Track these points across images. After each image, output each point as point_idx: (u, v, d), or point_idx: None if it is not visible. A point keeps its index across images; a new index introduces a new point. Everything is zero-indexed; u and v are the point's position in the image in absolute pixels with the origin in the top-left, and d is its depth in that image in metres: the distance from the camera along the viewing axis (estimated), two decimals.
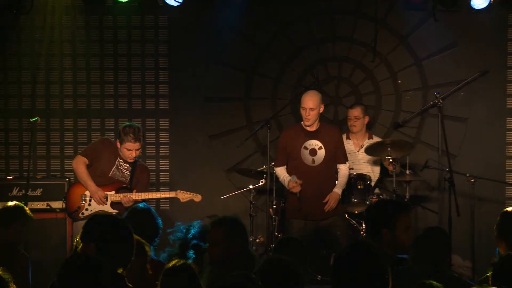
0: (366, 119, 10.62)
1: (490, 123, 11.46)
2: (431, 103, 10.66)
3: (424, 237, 6.21)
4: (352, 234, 9.91)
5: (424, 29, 11.33)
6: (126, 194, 9.18)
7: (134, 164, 9.45)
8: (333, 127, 10.15)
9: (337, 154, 9.63)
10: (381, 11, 11.16)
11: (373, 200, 10.06)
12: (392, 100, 11.55)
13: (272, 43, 11.59)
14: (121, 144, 9.30)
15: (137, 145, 9.26)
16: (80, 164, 9.26)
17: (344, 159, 9.68)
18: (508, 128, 11.46)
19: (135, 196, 9.19)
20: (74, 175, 10.64)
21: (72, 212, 9.26)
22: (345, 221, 9.83)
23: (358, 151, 10.46)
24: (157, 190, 11.37)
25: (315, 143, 9.51)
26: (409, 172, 10.17)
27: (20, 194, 10.03)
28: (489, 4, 10.59)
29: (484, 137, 11.44)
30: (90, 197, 9.31)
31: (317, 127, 9.54)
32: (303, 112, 9.40)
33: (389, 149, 9.87)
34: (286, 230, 9.78)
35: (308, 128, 9.52)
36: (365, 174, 10.19)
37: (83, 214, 9.23)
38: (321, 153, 9.48)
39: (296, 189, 9.40)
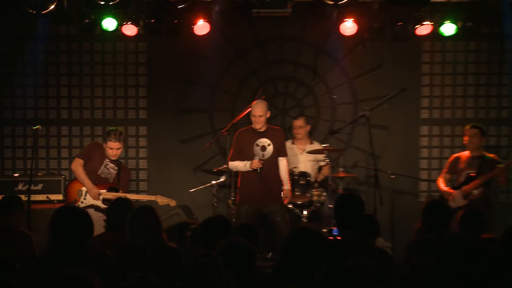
0: (308, 128, 11.54)
1: (407, 130, 12.50)
2: (360, 114, 11.18)
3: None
4: (295, 220, 10.68)
5: (355, 53, 12.28)
6: (115, 194, 9.76)
7: (119, 165, 10.17)
8: (278, 129, 10.57)
9: (280, 150, 10.27)
10: (320, 39, 12.28)
11: (314, 192, 10.90)
12: (329, 111, 12.54)
13: (231, 65, 12.50)
14: (105, 144, 10.02)
15: (117, 144, 9.96)
16: (78, 166, 9.96)
17: (284, 153, 10.38)
18: (421, 134, 12.56)
19: (123, 196, 9.38)
20: (69, 173, 11.69)
21: (69, 203, 9.84)
22: (284, 208, 10.37)
23: (301, 154, 11.39)
24: (137, 185, 12.39)
25: (264, 141, 10.18)
26: (342, 170, 11.27)
27: (24, 189, 10.85)
28: (408, 34, 11.65)
29: (402, 141, 12.48)
30: (86, 192, 9.96)
31: (266, 129, 10.22)
32: (253, 119, 10.09)
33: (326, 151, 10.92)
34: (236, 213, 10.32)
35: (258, 130, 10.18)
36: (306, 172, 11.06)
37: (78, 206, 9.76)
38: (270, 149, 10.15)
39: (259, 165, 9.99)
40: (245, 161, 10.20)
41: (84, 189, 10.00)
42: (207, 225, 6.59)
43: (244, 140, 10.29)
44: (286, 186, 10.36)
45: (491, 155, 10.47)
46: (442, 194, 10.54)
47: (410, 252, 5.55)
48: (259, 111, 10.10)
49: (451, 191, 10.36)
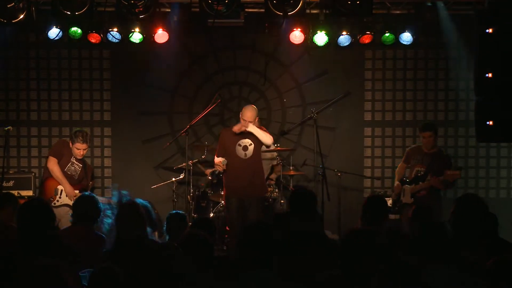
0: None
1: (351, 131, 12.91)
2: (308, 116, 11.54)
3: None
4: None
5: (303, 60, 12.73)
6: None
7: (83, 162, 10.51)
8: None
9: (262, 144, 10.34)
10: (271, 47, 12.72)
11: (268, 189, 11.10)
12: (279, 114, 12.96)
13: (188, 71, 12.90)
14: (72, 144, 10.25)
15: (84, 146, 10.27)
16: (55, 166, 10.20)
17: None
18: (365, 135, 12.98)
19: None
20: (39, 171, 12.09)
21: (46, 200, 9.72)
22: (261, 201, 10.56)
23: None
24: (102, 182, 12.71)
25: (246, 141, 10.33)
26: (292, 168, 11.69)
27: None
28: (351, 42, 11.93)
29: (347, 142, 12.90)
30: (62, 191, 10.18)
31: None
32: (242, 122, 10.15)
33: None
34: (225, 206, 10.53)
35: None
36: None
37: (54, 204, 10.11)
38: (251, 148, 10.30)
39: (219, 168, 10.36)
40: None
41: (60, 187, 10.25)
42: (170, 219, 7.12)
43: (227, 139, 10.50)
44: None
45: (446, 154, 10.92)
46: (395, 187, 10.96)
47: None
48: (250, 116, 10.24)
49: (400, 187, 10.76)
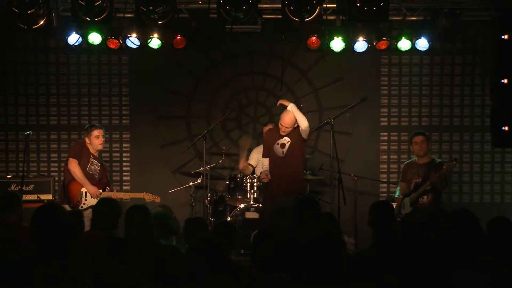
0: None
1: (368, 136, 12.90)
2: (325, 121, 11.73)
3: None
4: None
5: (320, 66, 12.74)
6: (111, 193, 10.17)
7: (100, 162, 10.53)
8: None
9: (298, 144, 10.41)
10: (288, 52, 12.65)
11: None
12: None
13: (206, 76, 12.93)
14: (89, 137, 10.31)
15: (102, 131, 10.37)
16: (76, 167, 10.20)
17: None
18: (381, 140, 12.99)
19: (114, 195, 10.16)
20: (58, 174, 12.14)
21: (74, 205, 10.11)
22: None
23: None
24: (121, 186, 12.68)
25: (284, 139, 10.39)
26: (309, 173, 11.61)
27: (17, 189, 11.14)
28: (367, 48, 11.98)
29: (364, 147, 12.88)
30: (86, 193, 10.20)
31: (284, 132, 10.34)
32: (281, 128, 10.26)
33: None
34: (262, 207, 10.76)
35: (280, 132, 10.38)
36: None
37: (82, 207, 10.15)
38: (287, 146, 10.35)
39: (265, 180, 10.38)
40: (266, 166, 10.58)
41: (84, 190, 10.28)
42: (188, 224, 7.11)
43: (269, 138, 10.67)
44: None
45: (439, 159, 10.77)
46: (396, 200, 10.74)
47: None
48: (289, 122, 10.33)
49: (400, 200, 10.60)
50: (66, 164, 10.52)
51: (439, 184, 10.29)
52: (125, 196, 10.92)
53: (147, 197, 10.77)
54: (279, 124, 10.38)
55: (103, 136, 10.54)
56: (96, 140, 10.42)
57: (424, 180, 10.40)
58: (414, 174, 10.63)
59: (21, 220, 7.64)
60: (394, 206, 10.22)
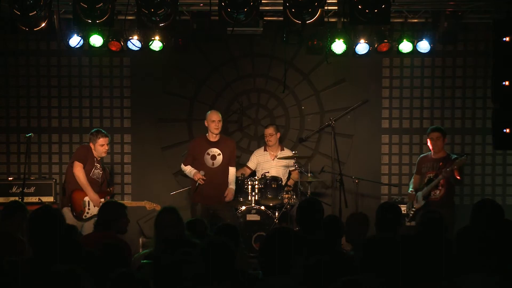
0: (278, 135, 11.95)
1: (369, 139, 12.90)
2: (326, 123, 12.01)
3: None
4: (267, 221, 11.11)
5: (321, 68, 12.73)
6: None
7: (102, 166, 10.57)
8: (230, 141, 11.35)
9: (230, 160, 10.98)
10: (289, 55, 12.59)
11: (285, 195, 11.33)
12: (298, 121, 12.96)
13: (208, 78, 12.93)
14: (94, 143, 10.35)
15: (107, 139, 10.43)
16: (81, 171, 10.23)
17: (233, 164, 11.08)
18: (382, 142, 12.96)
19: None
20: (60, 177, 12.14)
21: (77, 214, 10.18)
22: (228, 206, 11.01)
23: (273, 160, 11.81)
24: (122, 188, 12.73)
25: (215, 151, 10.83)
26: (310, 175, 11.51)
27: (18, 191, 11.21)
28: (369, 50, 11.98)
29: (365, 149, 12.88)
30: (89, 202, 10.24)
31: (218, 139, 10.93)
32: (212, 124, 10.74)
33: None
34: (191, 211, 11.04)
35: (211, 139, 10.85)
36: (277, 177, 11.48)
37: (85, 216, 10.24)
38: (219, 158, 10.84)
39: (201, 182, 10.67)
40: (193, 169, 10.89)
41: (86, 199, 10.30)
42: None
43: (197, 148, 10.95)
44: (231, 186, 11.03)
45: (455, 155, 10.77)
46: (408, 195, 10.97)
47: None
48: (217, 116, 10.87)
49: (413, 194, 10.77)
50: (71, 166, 10.51)
51: (452, 179, 10.42)
52: (128, 204, 10.57)
53: (147, 205, 10.90)
54: (210, 123, 10.95)
55: (108, 144, 10.58)
56: (100, 148, 10.45)
57: (436, 175, 10.52)
58: (428, 168, 10.75)
59: (19, 228, 7.46)
60: (403, 209, 10.66)
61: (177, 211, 6.79)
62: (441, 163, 10.60)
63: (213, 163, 10.91)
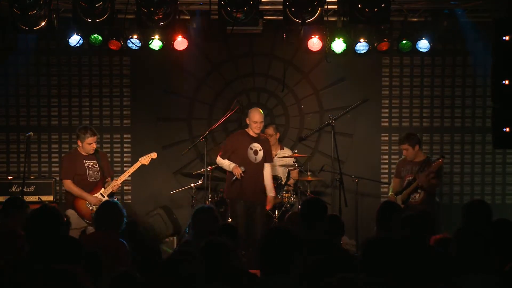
0: (278, 135, 12.10)
1: (369, 137, 12.95)
2: (326, 122, 12.05)
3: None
4: (266, 220, 11.06)
5: (321, 67, 12.73)
6: (112, 184, 10.18)
7: (97, 156, 10.32)
8: (266, 137, 11.19)
9: (267, 156, 10.88)
10: (289, 54, 12.69)
11: (285, 195, 11.43)
12: (297, 120, 13.02)
13: (207, 78, 12.97)
14: (82, 142, 10.12)
15: (95, 138, 10.17)
16: (71, 186, 10.11)
17: (270, 159, 11.02)
18: (382, 141, 13.00)
19: (118, 180, 10.29)
20: (59, 176, 11.43)
21: (90, 220, 9.84)
22: (264, 209, 10.86)
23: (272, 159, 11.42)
24: (122, 187, 12.27)
25: (257, 146, 10.79)
26: (310, 174, 11.66)
27: (18, 190, 11.28)
28: (368, 49, 12.05)
29: (365, 148, 12.93)
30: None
31: (258, 135, 10.86)
32: (255, 125, 10.64)
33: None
34: (230, 208, 10.91)
35: (253, 134, 10.77)
36: (277, 176, 11.50)
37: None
38: (261, 154, 10.78)
39: (239, 176, 10.58)
40: (231, 163, 10.76)
41: (87, 203, 10.21)
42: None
43: (239, 142, 10.89)
44: (271, 193, 10.90)
45: (434, 158, 10.75)
46: (388, 199, 10.64)
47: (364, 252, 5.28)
48: (260, 117, 10.78)
49: (393, 197, 10.66)
50: (61, 182, 10.50)
51: (426, 185, 10.37)
52: (125, 176, 10.62)
53: (144, 161, 10.71)
54: (252, 123, 10.86)
55: (96, 142, 10.36)
56: (88, 146, 10.21)
57: (414, 178, 10.51)
58: (407, 171, 10.73)
59: (19, 225, 7.27)
60: None
61: (212, 210, 7.06)
62: (419, 167, 10.59)
63: (255, 158, 10.85)
